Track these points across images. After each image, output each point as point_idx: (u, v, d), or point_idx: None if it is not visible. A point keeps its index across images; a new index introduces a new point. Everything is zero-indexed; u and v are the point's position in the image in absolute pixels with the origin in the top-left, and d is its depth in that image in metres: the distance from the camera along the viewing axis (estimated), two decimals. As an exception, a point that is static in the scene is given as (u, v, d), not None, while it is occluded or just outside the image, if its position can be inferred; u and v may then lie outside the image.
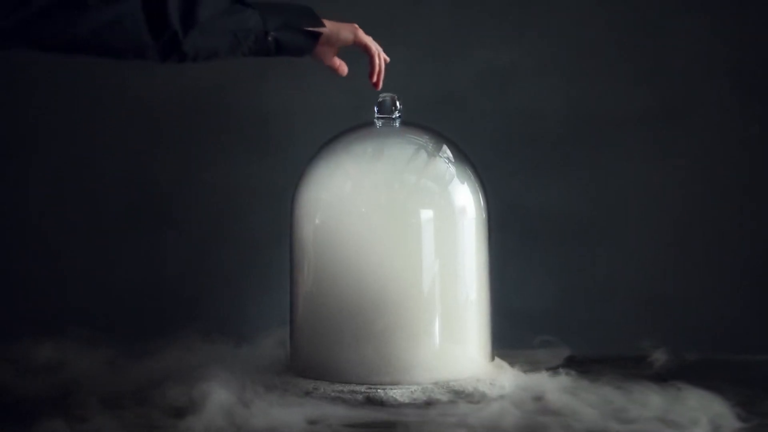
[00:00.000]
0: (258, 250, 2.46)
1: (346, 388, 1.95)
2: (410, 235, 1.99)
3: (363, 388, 1.94)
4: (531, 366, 2.10)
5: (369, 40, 1.83)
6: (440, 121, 2.12)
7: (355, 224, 1.99)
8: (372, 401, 1.93)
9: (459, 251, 2.03)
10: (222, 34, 1.61)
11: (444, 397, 1.95)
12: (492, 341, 2.07)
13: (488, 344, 2.07)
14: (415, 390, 1.95)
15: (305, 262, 2.03)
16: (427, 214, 2.00)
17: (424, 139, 2.07)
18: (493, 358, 2.08)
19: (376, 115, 2.05)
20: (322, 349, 2.00)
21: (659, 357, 2.15)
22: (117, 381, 2.02)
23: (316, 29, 1.73)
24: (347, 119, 2.05)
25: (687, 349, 2.17)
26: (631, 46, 2.45)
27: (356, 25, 1.83)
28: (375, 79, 1.87)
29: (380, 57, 1.86)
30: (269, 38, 1.68)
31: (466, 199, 2.04)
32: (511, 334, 2.20)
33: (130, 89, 2.50)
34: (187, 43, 1.56)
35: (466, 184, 2.05)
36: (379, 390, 1.94)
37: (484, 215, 2.07)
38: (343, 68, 1.86)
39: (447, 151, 2.06)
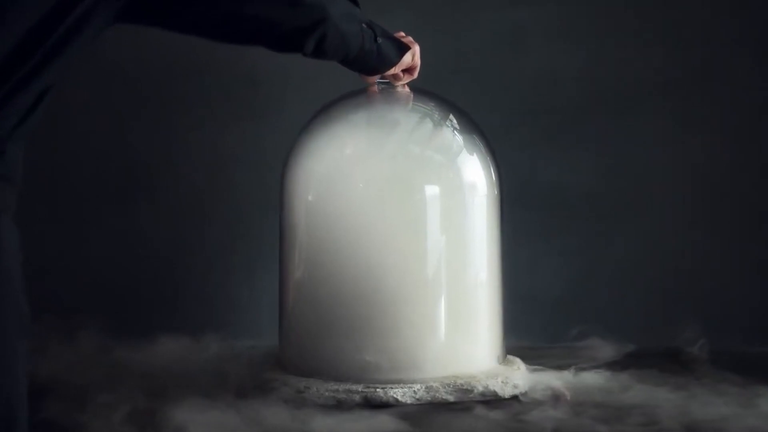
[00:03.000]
0: (245, 227, 2.35)
1: (342, 387, 1.81)
2: (414, 214, 1.85)
3: (360, 387, 1.80)
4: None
5: (418, 61, 1.83)
6: (446, 89, 2.04)
7: (352, 201, 1.85)
8: (370, 402, 1.79)
9: (468, 231, 1.89)
10: (353, 35, 1.60)
11: (451, 397, 1.81)
12: (504, 332, 1.94)
13: (500, 336, 1.93)
14: (418, 389, 1.80)
15: (296, 244, 1.89)
16: (432, 190, 1.86)
17: (429, 107, 1.92)
18: (504, 353, 1.94)
19: (377, 79, 1.88)
20: (315, 342, 1.86)
21: (696, 351, 2.04)
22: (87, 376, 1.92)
23: (405, 42, 1.77)
24: (345, 83, 1.94)
25: (716, 337, 2.08)
26: (649, 9, 2.37)
27: (416, 44, 1.81)
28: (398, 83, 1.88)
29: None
30: (378, 41, 1.68)
31: (475, 174, 1.90)
32: (524, 322, 2.12)
33: (104, 50, 2.26)
34: (329, 40, 1.54)
35: (475, 156, 1.91)
36: (378, 390, 1.79)
37: (495, 191, 1.92)
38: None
39: (455, 120, 1.92)
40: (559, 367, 1.94)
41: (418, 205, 1.85)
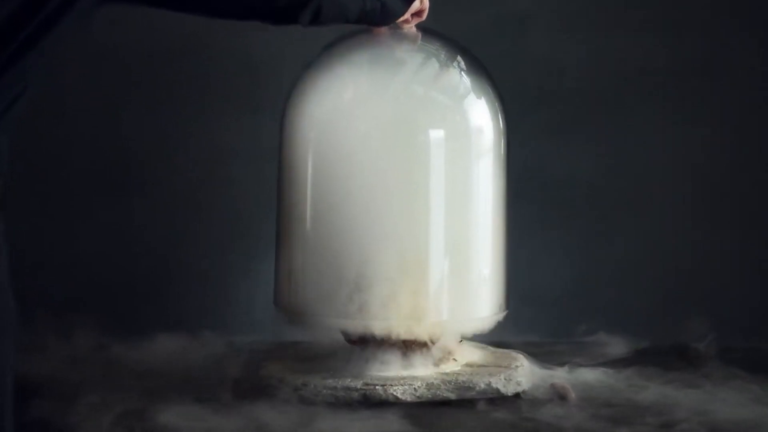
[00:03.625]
0: (242, 221, 2.30)
1: (340, 384, 1.76)
2: (417, 158, 1.78)
3: (359, 384, 1.75)
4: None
5: (426, 3, 1.79)
6: None
7: (354, 144, 1.78)
8: (370, 400, 1.74)
9: (473, 177, 1.82)
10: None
11: (452, 394, 1.76)
12: (506, 287, 1.88)
13: (502, 282, 1.87)
14: (418, 386, 1.75)
15: (295, 190, 1.83)
16: (437, 134, 1.79)
17: (435, 46, 1.85)
18: (507, 301, 1.88)
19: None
20: (313, 280, 1.80)
21: (702, 348, 2.01)
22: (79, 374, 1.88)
23: None
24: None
25: (717, 334, 2.05)
26: (652, 3, 2.33)
27: None
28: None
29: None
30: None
31: (482, 118, 1.83)
32: (525, 318, 2.09)
33: (96, 36, 2.16)
34: (325, 10, 1.52)
35: (483, 100, 1.84)
36: (377, 387, 1.75)
37: (502, 138, 1.86)
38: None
39: (462, 62, 1.84)
40: (563, 364, 1.91)
41: (422, 148, 1.78)
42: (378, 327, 1.77)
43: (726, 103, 2.32)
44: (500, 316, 1.86)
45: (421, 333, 1.78)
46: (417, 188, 1.77)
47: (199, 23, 2.19)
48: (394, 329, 1.77)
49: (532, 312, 2.19)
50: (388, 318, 1.76)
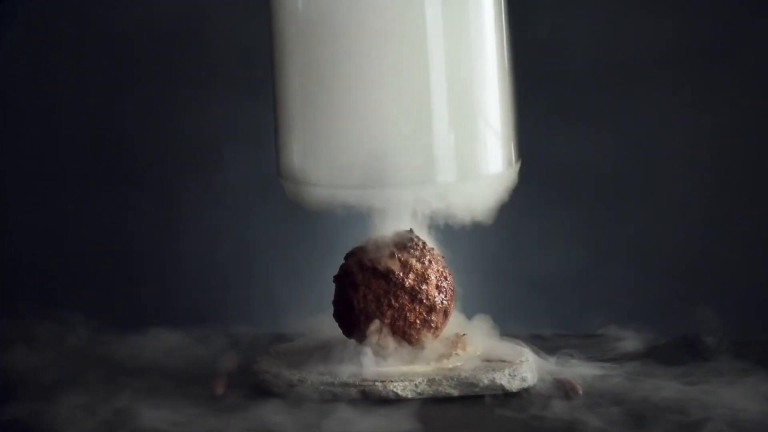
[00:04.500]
0: (239, 211, 2.26)
1: (337, 379, 1.70)
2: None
3: (357, 381, 1.69)
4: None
5: None
6: None
7: None
8: (369, 397, 1.68)
9: (473, 26, 1.73)
10: None
11: (455, 391, 1.70)
12: (516, 138, 1.80)
13: (510, 135, 1.79)
14: (419, 383, 1.69)
15: (288, 46, 1.73)
16: None
17: None
18: (516, 155, 1.81)
19: None
20: (314, 152, 1.72)
21: (714, 340, 1.93)
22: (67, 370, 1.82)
23: None
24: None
25: (731, 326, 1.98)
26: None
27: None
28: None
29: None
30: None
31: None
32: (530, 306, 2.10)
33: (88, 21, 2.26)
34: None
35: None
36: (376, 383, 1.69)
37: None
38: None
39: None
40: (571, 358, 1.85)
41: None
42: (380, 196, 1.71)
43: (741, 87, 2.26)
44: (512, 176, 1.79)
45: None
46: (414, 35, 1.68)
47: (191, 7, 2.18)
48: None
49: (538, 303, 2.15)
50: (394, 183, 1.68)
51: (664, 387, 1.69)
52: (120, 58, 2.27)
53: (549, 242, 2.26)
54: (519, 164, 1.82)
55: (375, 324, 1.72)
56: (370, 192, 1.70)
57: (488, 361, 1.76)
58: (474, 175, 1.73)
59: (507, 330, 1.90)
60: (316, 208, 1.73)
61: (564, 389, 1.69)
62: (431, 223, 1.80)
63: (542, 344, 1.87)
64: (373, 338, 1.72)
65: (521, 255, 2.15)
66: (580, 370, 1.77)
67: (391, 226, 1.78)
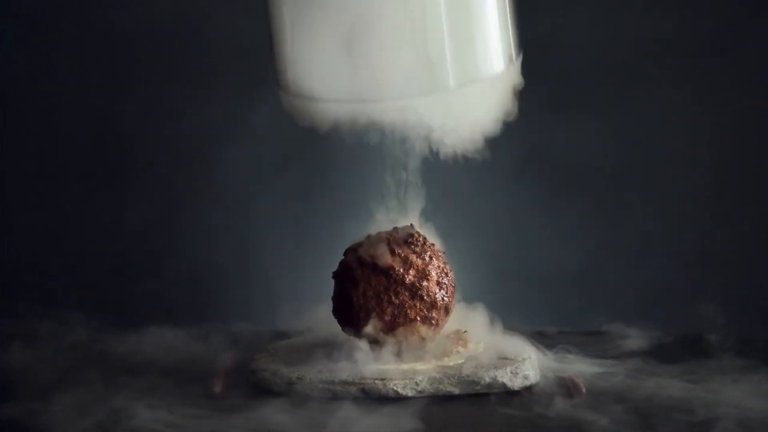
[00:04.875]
0: (238, 209, 2.24)
1: (337, 377, 1.66)
2: None
3: (357, 379, 1.66)
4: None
5: None
6: None
7: None
8: (369, 395, 1.64)
9: None
10: None
11: (456, 389, 1.66)
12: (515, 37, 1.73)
13: (509, 34, 1.72)
14: (420, 380, 1.66)
15: None
16: None
17: None
18: (518, 52, 1.75)
19: None
20: (306, 63, 1.65)
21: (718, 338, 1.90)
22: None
23: None
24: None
25: (735, 323, 1.95)
26: None
27: None
28: None
29: None
30: None
31: None
32: (530, 303, 2.08)
33: (86, 19, 2.25)
34: None
35: None
36: (376, 381, 1.65)
37: None
38: None
39: None
40: (573, 356, 1.83)
41: None
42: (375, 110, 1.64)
43: (741, 86, 2.24)
44: (514, 75, 1.72)
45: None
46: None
47: (191, 7, 2.15)
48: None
49: (539, 300, 2.13)
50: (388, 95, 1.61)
51: (669, 385, 1.66)
52: (120, 58, 2.25)
53: (550, 239, 2.24)
54: (520, 59, 1.73)
55: (372, 323, 1.70)
56: (364, 105, 1.62)
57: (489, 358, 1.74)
58: (474, 77, 1.63)
59: (508, 327, 1.88)
60: (311, 123, 1.66)
61: (567, 388, 1.67)
62: (427, 151, 1.73)
63: (544, 341, 1.86)
64: (371, 336, 1.69)
65: (522, 251, 2.13)
66: (581, 368, 1.75)
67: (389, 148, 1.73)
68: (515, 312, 1.88)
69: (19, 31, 2.25)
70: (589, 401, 1.60)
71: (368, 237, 1.76)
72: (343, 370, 1.67)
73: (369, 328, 1.71)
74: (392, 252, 1.73)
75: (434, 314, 1.73)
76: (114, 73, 2.25)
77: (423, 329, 1.72)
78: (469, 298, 1.87)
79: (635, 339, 1.91)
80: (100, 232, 2.25)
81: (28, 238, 2.25)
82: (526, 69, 2.18)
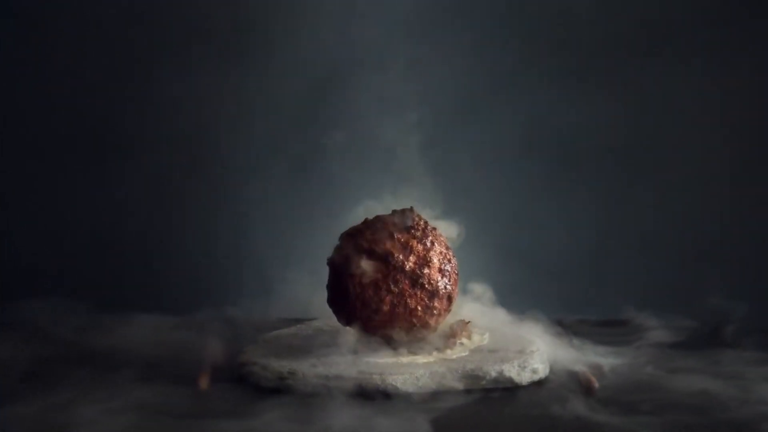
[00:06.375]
0: (232, 182, 2.16)
1: (331, 371, 1.55)
2: None
3: (354, 373, 1.54)
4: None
5: None
6: (459, 24, 1.92)
7: None
8: (366, 391, 1.53)
9: None
10: None
11: (459, 384, 1.55)
12: None
13: None
14: (421, 375, 1.55)
15: None
16: None
17: None
18: None
19: None
20: None
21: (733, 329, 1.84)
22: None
23: None
24: (338, 28, 1.85)
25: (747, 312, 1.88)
26: None
27: None
28: None
29: None
30: None
31: None
32: (536, 290, 1.99)
33: (87, 20, 2.17)
34: None
35: None
36: (374, 376, 1.54)
37: None
38: None
39: None
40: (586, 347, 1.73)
41: None
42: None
43: (761, 44, 2.15)
44: None
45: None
46: None
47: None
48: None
49: (547, 286, 2.05)
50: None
51: (693, 379, 1.57)
52: (111, 44, 2.18)
53: (553, 220, 2.15)
54: None
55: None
56: None
57: (495, 351, 1.63)
58: None
59: (516, 315, 1.83)
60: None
61: (580, 383, 1.56)
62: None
63: (566, 331, 1.77)
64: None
65: (522, 234, 2.03)
66: (605, 360, 1.67)
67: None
68: (523, 298, 1.81)
69: (19, 31, 2.18)
70: (611, 395, 1.51)
71: (366, 221, 1.65)
72: (338, 364, 1.56)
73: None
74: (391, 237, 1.62)
75: (436, 303, 1.63)
76: (105, 58, 2.18)
77: (426, 324, 1.62)
78: (473, 285, 1.80)
79: (655, 330, 1.84)
80: (89, 218, 2.18)
81: (17, 225, 2.18)
82: (534, 41, 2.14)
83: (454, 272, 1.66)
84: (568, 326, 1.83)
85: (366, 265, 1.60)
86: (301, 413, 1.44)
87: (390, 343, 1.62)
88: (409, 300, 1.61)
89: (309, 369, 1.55)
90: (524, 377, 1.57)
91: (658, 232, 2.16)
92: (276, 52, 2.13)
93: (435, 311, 1.63)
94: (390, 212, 1.66)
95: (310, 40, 2.06)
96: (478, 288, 1.79)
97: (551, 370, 1.61)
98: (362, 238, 1.63)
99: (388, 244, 1.62)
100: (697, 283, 2.05)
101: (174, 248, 2.16)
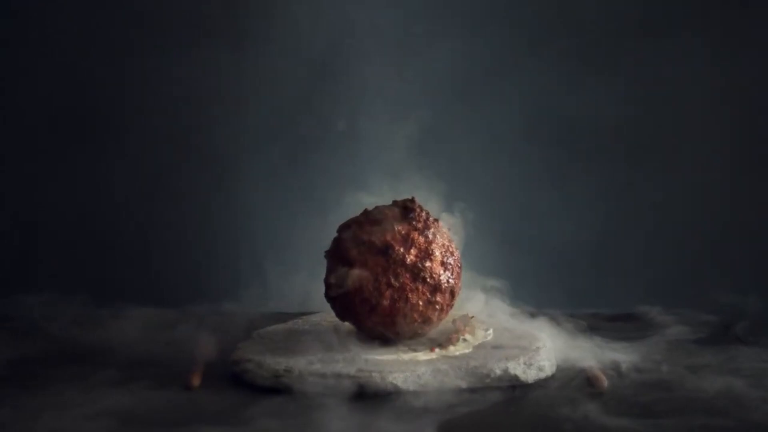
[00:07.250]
0: (225, 167, 2.13)
1: (330, 370, 1.49)
2: None
3: (353, 371, 1.48)
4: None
5: None
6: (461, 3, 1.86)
7: None
8: (366, 390, 1.47)
9: None
10: None
11: (463, 382, 1.50)
12: None
13: None
14: (422, 373, 1.49)
15: None
16: None
17: None
18: None
19: None
20: None
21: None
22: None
23: None
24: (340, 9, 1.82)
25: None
26: None
27: None
28: None
29: None
30: None
31: None
32: (543, 279, 1.98)
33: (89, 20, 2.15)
34: None
35: None
36: (374, 374, 1.48)
37: None
38: None
39: None
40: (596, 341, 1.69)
41: None
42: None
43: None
44: None
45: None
46: None
47: None
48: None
49: (552, 278, 2.02)
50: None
51: (708, 377, 1.52)
52: (108, 20, 2.14)
53: (560, 209, 2.11)
54: None
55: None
56: None
57: (500, 347, 1.57)
58: None
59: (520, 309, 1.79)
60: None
61: (589, 381, 1.50)
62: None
63: (566, 325, 1.73)
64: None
65: (528, 222, 2.03)
66: (620, 357, 1.62)
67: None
68: (530, 291, 1.78)
69: (15, 26, 2.16)
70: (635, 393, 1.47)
71: (365, 212, 1.59)
72: (336, 362, 1.50)
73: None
74: (391, 229, 1.56)
75: (438, 298, 1.58)
76: (100, 50, 2.15)
77: (428, 320, 1.56)
78: (477, 278, 1.76)
79: (671, 327, 1.80)
80: (84, 211, 2.15)
81: (11, 215, 2.15)
82: (539, 26, 2.08)
83: (457, 265, 1.60)
84: (579, 320, 1.78)
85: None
86: (298, 415, 1.38)
87: (390, 340, 1.56)
88: (410, 294, 1.56)
89: (306, 367, 1.49)
90: (530, 375, 1.52)
91: (667, 222, 2.13)
92: (275, 33, 2.10)
93: (437, 306, 1.57)
94: (390, 203, 1.61)
95: (303, 33, 2.05)
96: (483, 281, 1.75)
97: (558, 368, 1.56)
98: (361, 230, 1.57)
99: (388, 236, 1.57)
100: (708, 275, 2.02)
101: (169, 242, 2.13)
